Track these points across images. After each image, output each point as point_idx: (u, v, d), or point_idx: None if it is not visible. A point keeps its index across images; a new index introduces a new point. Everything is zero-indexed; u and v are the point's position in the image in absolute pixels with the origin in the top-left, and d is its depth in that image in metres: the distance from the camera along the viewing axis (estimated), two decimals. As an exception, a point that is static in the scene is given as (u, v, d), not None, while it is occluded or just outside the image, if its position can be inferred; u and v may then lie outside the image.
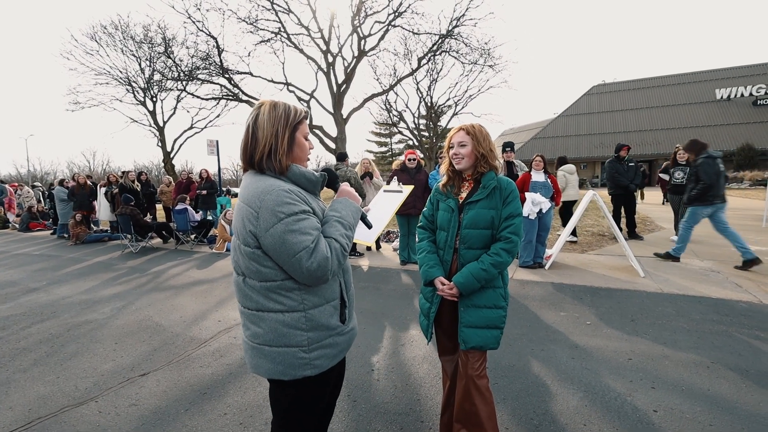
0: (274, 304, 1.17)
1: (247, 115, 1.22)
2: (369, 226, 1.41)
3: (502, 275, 1.67)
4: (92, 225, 9.83)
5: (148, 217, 9.39)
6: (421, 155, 23.77)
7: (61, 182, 10.65)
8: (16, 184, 14.42)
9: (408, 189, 1.69)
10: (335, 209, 1.27)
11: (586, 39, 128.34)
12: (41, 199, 13.59)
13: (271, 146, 1.16)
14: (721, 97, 31.22)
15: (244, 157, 1.20)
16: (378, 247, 6.89)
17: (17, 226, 12.19)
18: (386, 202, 1.60)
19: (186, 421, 2.20)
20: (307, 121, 1.30)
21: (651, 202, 13.29)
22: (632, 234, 6.90)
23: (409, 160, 5.62)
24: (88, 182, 9.64)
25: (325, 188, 1.37)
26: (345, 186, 1.36)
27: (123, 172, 9.49)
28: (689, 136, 30.22)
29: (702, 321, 3.31)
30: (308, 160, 1.30)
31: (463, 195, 1.69)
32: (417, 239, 1.84)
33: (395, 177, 5.54)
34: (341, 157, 6.22)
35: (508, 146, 6.13)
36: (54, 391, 2.56)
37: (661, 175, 7.41)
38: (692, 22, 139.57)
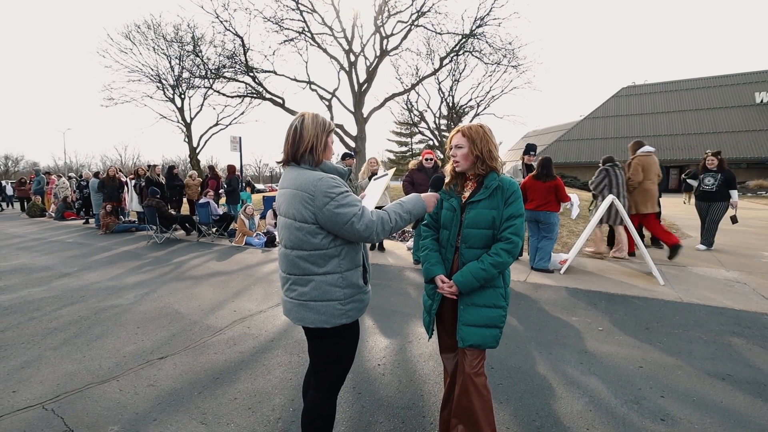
0: (317, 269, 1.49)
1: (292, 120, 1.55)
2: (416, 225, 1.78)
3: (503, 275, 1.69)
4: (121, 215, 10.29)
5: (173, 210, 9.75)
6: (441, 156, 23.64)
7: (96, 174, 11.20)
8: (54, 176, 15.23)
9: (391, 171, 1.87)
10: (404, 198, 1.61)
11: (616, 39, 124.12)
12: (74, 189, 14.30)
13: (313, 144, 1.50)
14: (761, 101, 29.61)
15: (289, 150, 1.52)
16: (382, 248, 6.87)
17: (53, 215, 12.89)
18: (376, 186, 1.84)
19: (199, 403, 2.31)
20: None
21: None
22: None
23: (426, 159, 5.63)
24: (117, 174, 10.10)
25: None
26: (432, 194, 1.70)
27: (149, 166, 9.88)
28: (724, 140, 28.82)
29: (721, 332, 3.20)
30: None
31: (467, 194, 1.71)
32: (421, 237, 1.88)
33: (412, 177, 5.62)
34: (344, 156, 6.44)
35: (531, 150, 6.04)
36: (80, 369, 2.74)
37: (689, 181, 7.13)
38: (731, 22, 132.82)
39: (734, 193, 6.15)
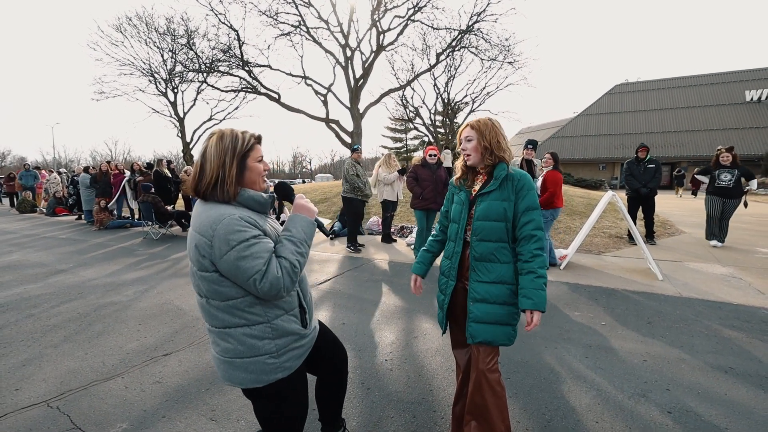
0: (238, 320, 1.26)
1: (204, 142, 1.29)
2: (326, 234, 1.54)
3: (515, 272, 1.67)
4: (114, 211, 10.11)
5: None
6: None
7: (86, 169, 10.99)
8: (44, 171, 14.96)
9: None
10: (287, 228, 1.35)
11: (610, 36, 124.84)
12: (67, 185, 14.06)
13: (218, 176, 1.22)
14: (751, 99, 30.05)
15: (192, 185, 1.27)
16: (392, 240, 6.94)
17: (44, 210, 12.67)
18: None
19: (207, 399, 2.30)
20: (260, 144, 1.34)
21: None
22: (648, 237, 6.74)
23: (430, 155, 5.62)
24: (110, 169, 9.92)
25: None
26: (299, 200, 1.41)
27: (148, 164, 9.72)
28: (716, 138, 29.21)
29: (721, 326, 3.26)
30: (264, 180, 1.36)
31: (477, 188, 1.71)
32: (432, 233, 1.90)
33: (415, 172, 5.60)
34: (352, 150, 6.43)
35: (530, 144, 6.06)
36: (83, 366, 2.70)
37: (698, 176, 7.15)
38: (722, 20, 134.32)
39: (753, 182, 6.46)
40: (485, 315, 1.63)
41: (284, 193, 1.49)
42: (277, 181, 1.55)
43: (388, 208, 6.61)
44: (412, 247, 6.09)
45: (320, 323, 1.64)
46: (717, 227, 6.43)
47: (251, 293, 1.23)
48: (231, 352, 1.28)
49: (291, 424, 1.41)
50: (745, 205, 6.54)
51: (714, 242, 6.42)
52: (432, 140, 26.01)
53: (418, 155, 5.95)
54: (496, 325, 1.63)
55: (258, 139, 1.33)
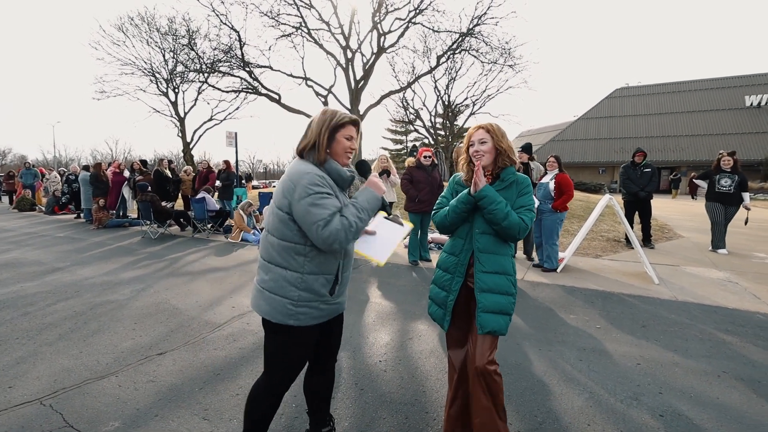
0: (281, 260, 1.48)
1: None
2: (388, 213, 1.71)
3: (513, 265, 1.77)
4: (112, 211, 10.12)
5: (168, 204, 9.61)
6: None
7: (86, 168, 11.00)
8: (44, 169, 14.98)
9: (408, 226, 1.75)
10: (355, 196, 1.56)
11: (611, 40, 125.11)
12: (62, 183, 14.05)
13: (314, 141, 1.49)
14: (751, 104, 30.09)
15: (297, 148, 1.56)
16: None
17: (44, 209, 12.68)
18: (390, 232, 1.71)
19: (200, 399, 2.30)
20: (354, 126, 1.55)
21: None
22: (645, 241, 6.75)
23: (425, 157, 5.63)
24: (113, 169, 9.94)
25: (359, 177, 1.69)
26: (372, 177, 1.60)
27: (143, 161, 9.74)
28: (715, 143, 29.26)
29: (716, 331, 3.26)
30: (348, 157, 1.57)
31: None
32: (435, 217, 1.90)
33: (411, 177, 5.60)
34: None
35: (521, 147, 6.08)
36: (77, 365, 2.70)
37: (696, 181, 7.09)
38: (723, 26, 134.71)
39: (746, 195, 6.13)
40: (492, 304, 1.70)
41: (363, 170, 1.71)
42: (358, 160, 1.77)
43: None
44: (408, 251, 6.07)
45: (342, 324, 1.77)
46: (724, 234, 6.28)
47: (311, 238, 1.42)
48: (265, 283, 1.51)
49: (287, 366, 1.56)
50: (746, 222, 6.32)
51: (722, 251, 6.24)
52: (433, 142, 26.05)
53: (410, 159, 5.95)
54: (500, 314, 1.70)
55: (353, 122, 1.55)
